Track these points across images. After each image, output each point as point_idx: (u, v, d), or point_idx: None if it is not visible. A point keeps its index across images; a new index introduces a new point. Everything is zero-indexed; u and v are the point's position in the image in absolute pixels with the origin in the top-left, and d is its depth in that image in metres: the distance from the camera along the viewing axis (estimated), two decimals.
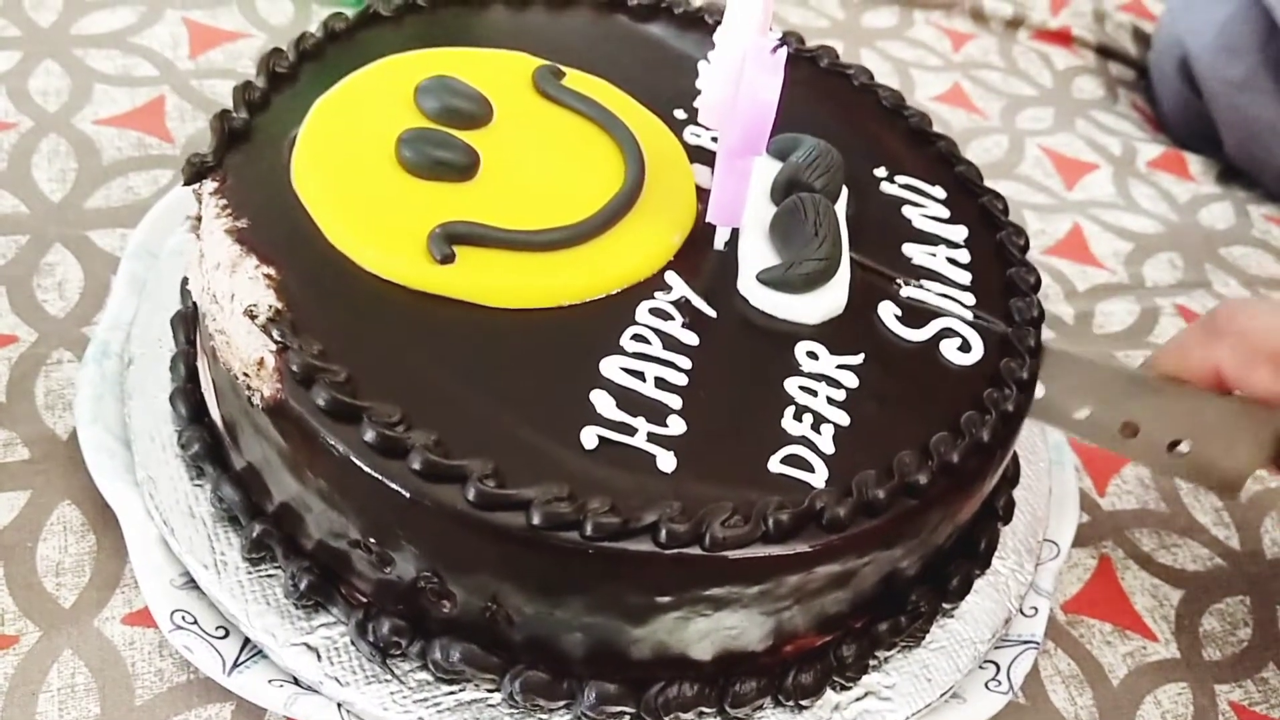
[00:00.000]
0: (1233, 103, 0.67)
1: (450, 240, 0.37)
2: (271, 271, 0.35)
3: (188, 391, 0.40)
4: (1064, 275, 0.60)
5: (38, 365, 0.44)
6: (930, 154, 0.47)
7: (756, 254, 0.40)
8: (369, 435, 0.32)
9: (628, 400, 0.35)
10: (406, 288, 0.36)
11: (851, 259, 0.40)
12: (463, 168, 0.39)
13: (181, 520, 0.37)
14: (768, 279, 0.39)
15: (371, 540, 0.34)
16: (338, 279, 0.36)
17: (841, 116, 0.47)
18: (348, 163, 0.39)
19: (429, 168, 0.38)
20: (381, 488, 0.32)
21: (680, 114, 0.45)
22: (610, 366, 0.35)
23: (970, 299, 0.41)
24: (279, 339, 0.34)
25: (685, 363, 0.36)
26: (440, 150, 0.39)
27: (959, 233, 0.43)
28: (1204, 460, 0.40)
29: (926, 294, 0.41)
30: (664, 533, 0.31)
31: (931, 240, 0.43)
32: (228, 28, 0.62)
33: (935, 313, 0.40)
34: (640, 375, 0.35)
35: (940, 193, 0.45)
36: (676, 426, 0.34)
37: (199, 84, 0.58)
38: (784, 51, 0.35)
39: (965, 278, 0.42)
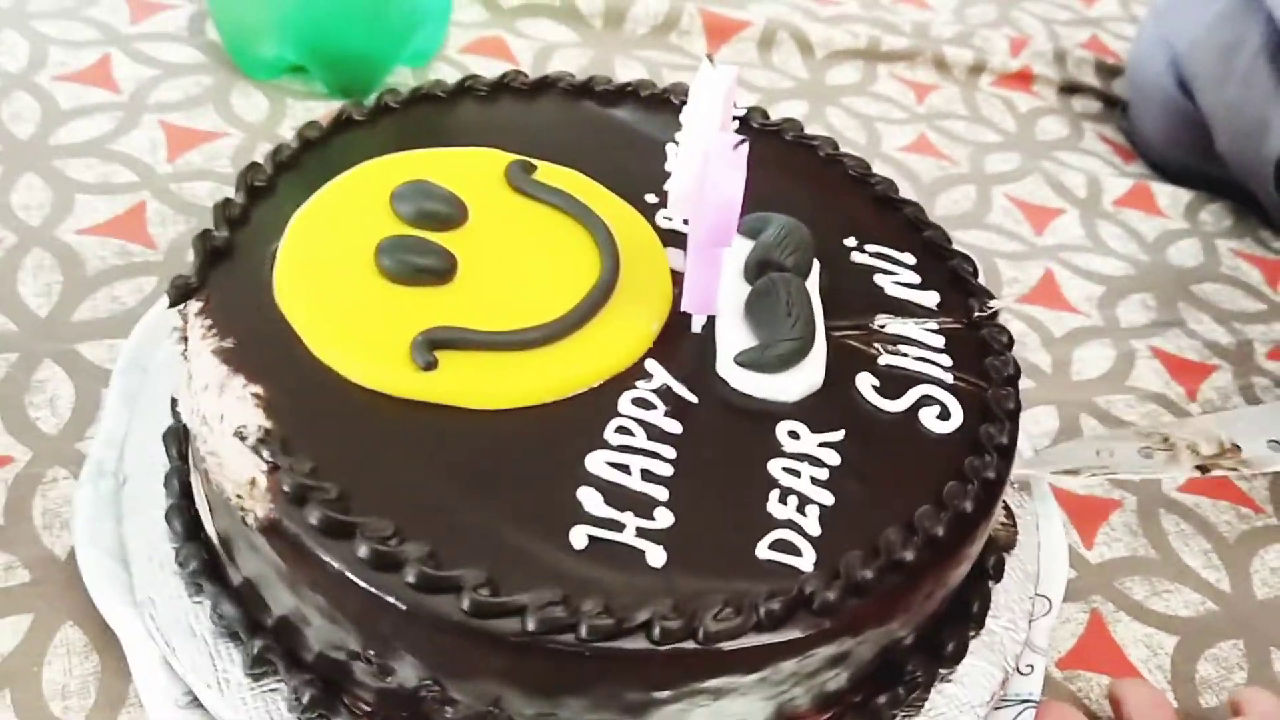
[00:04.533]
0: (1225, 99, 0.68)
1: (432, 346, 0.37)
2: (259, 390, 0.36)
3: (183, 508, 0.40)
4: (1040, 322, 0.61)
5: (34, 485, 0.45)
6: (898, 220, 0.48)
7: (733, 336, 0.41)
8: (363, 551, 0.32)
9: (615, 495, 0.35)
10: (392, 396, 0.37)
11: (827, 332, 0.41)
12: (441, 272, 0.40)
13: (183, 639, 0.38)
14: (745, 361, 0.39)
15: (371, 652, 0.34)
16: (325, 393, 0.37)
17: (809, 189, 0.48)
18: (329, 274, 0.40)
19: (408, 275, 0.39)
20: (378, 601, 0.32)
21: (651, 198, 0.46)
22: (596, 462, 0.36)
23: (947, 360, 0.42)
24: (270, 459, 0.34)
25: (670, 452, 0.37)
26: (418, 257, 0.40)
27: (931, 298, 0.44)
28: None
29: (905, 359, 0.42)
30: (657, 630, 0.32)
31: (904, 306, 0.44)
32: (204, 128, 0.63)
33: (913, 380, 0.41)
34: (626, 469, 0.36)
35: (910, 259, 0.46)
36: (664, 519, 0.35)
37: (178, 187, 0.59)
38: (745, 148, 0.36)
39: (939, 341, 0.43)
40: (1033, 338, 0.60)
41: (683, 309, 0.41)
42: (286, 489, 0.33)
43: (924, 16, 0.84)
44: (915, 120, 0.74)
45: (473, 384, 0.37)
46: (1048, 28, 0.84)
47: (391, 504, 0.34)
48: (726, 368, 0.40)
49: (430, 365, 0.37)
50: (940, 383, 0.41)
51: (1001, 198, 0.69)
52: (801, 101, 0.74)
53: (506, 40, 0.73)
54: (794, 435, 0.38)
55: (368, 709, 0.36)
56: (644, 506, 0.35)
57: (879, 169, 0.50)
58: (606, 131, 0.50)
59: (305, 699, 0.36)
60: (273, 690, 0.37)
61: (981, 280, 0.46)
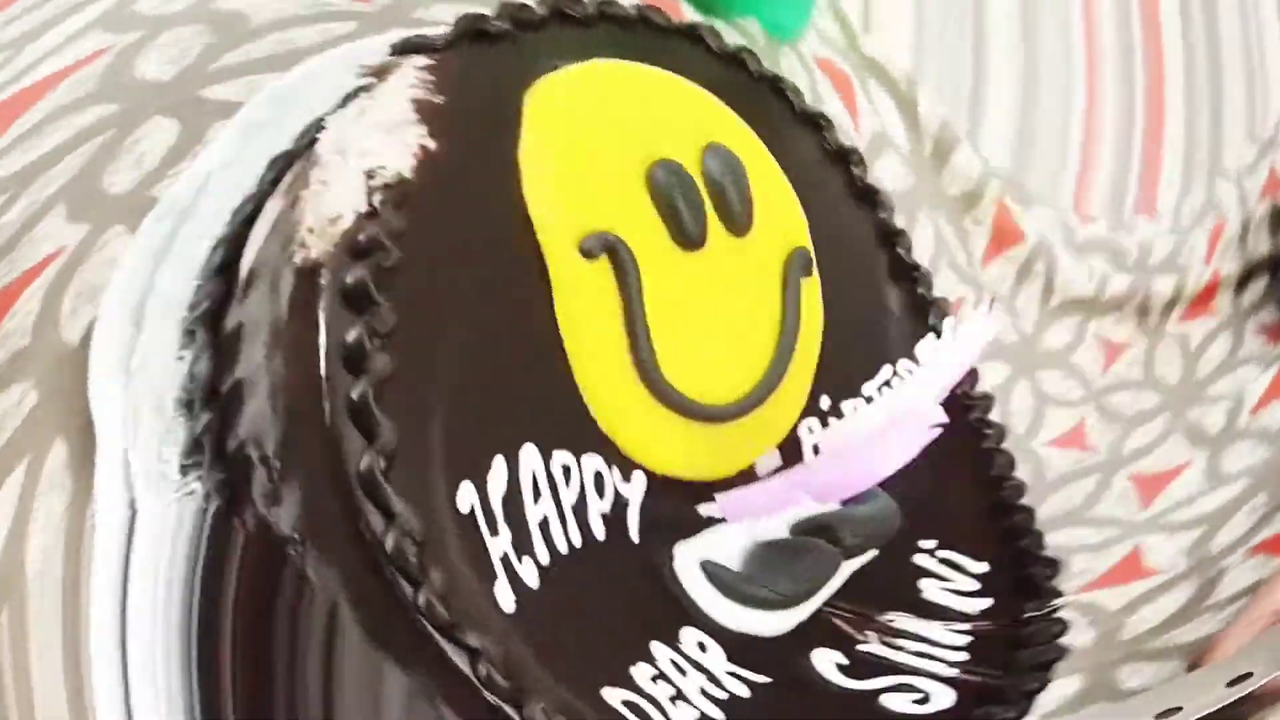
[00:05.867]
0: None
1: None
2: (433, 145, 0.33)
3: (241, 238, 0.36)
4: None
5: None
6: (1000, 530, 0.44)
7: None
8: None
9: None
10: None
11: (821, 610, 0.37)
12: (689, 236, 0.37)
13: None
14: (712, 571, 0.35)
15: None
16: (495, 238, 0.34)
17: (938, 477, 0.41)
18: (580, 152, 0.36)
19: (665, 205, 0.36)
20: None
21: None
22: None
23: (960, 656, 0.38)
24: (375, 204, 0.31)
25: None
26: (684, 198, 0.36)
27: (979, 604, 0.40)
28: None
29: (896, 653, 0.37)
30: None
31: (936, 609, 0.40)
32: None
33: (893, 670, 0.37)
34: None
35: (980, 567, 0.42)
36: None
37: None
38: (935, 434, 0.32)
39: (960, 640, 0.39)
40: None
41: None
42: (361, 239, 0.30)
43: None
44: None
45: None
46: None
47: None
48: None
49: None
50: (934, 675, 0.37)
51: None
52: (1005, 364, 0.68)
53: None
54: (701, 647, 0.34)
55: None
56: None
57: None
58: None
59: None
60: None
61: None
